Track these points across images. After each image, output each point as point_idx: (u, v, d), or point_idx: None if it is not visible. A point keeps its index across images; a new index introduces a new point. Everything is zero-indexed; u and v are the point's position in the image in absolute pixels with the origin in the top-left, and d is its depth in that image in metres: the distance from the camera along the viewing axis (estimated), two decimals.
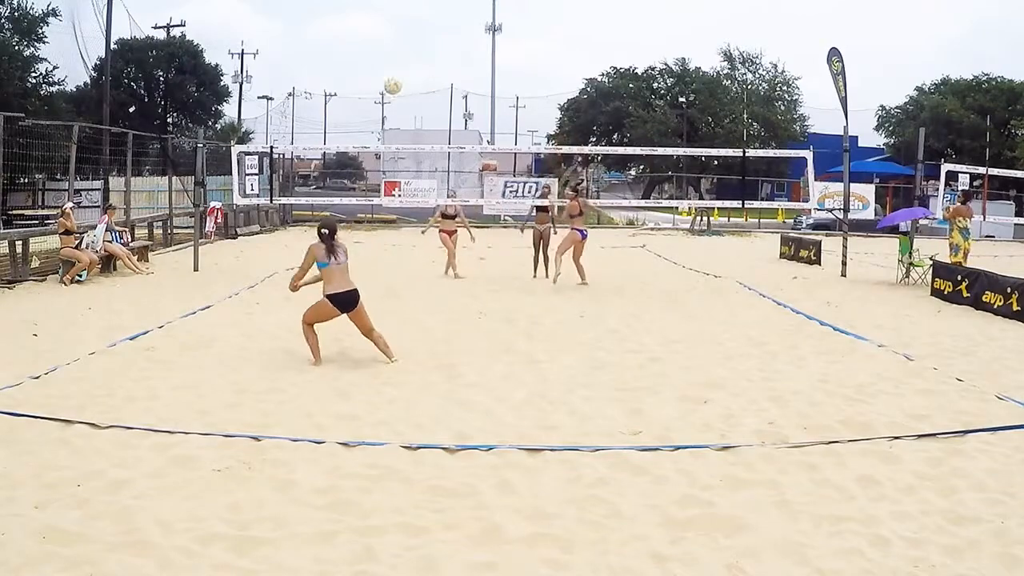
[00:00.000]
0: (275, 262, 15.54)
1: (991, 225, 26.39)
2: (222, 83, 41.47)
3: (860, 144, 42.80)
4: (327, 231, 7.52)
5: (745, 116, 47.10)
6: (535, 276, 14.27)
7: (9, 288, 11.79)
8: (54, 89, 29.39)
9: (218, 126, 40.26)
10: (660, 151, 35.01)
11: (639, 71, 52.02)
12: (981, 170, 25.80)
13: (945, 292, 12.28)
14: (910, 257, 14.50)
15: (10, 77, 25.32)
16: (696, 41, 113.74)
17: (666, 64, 51.68)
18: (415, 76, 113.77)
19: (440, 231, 14.75)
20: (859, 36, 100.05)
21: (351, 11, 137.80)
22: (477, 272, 15.35)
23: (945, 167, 18.83)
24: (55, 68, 28.87)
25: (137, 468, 4.76)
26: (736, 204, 25.23)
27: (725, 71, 51.32)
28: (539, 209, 14.96)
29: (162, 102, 39.68)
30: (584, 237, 13.08)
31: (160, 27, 40.00)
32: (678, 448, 5.28)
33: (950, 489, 4.66)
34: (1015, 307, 10.53)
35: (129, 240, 15.26)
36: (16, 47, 26.68)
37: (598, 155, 41.07)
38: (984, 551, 3.91)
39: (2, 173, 14.40)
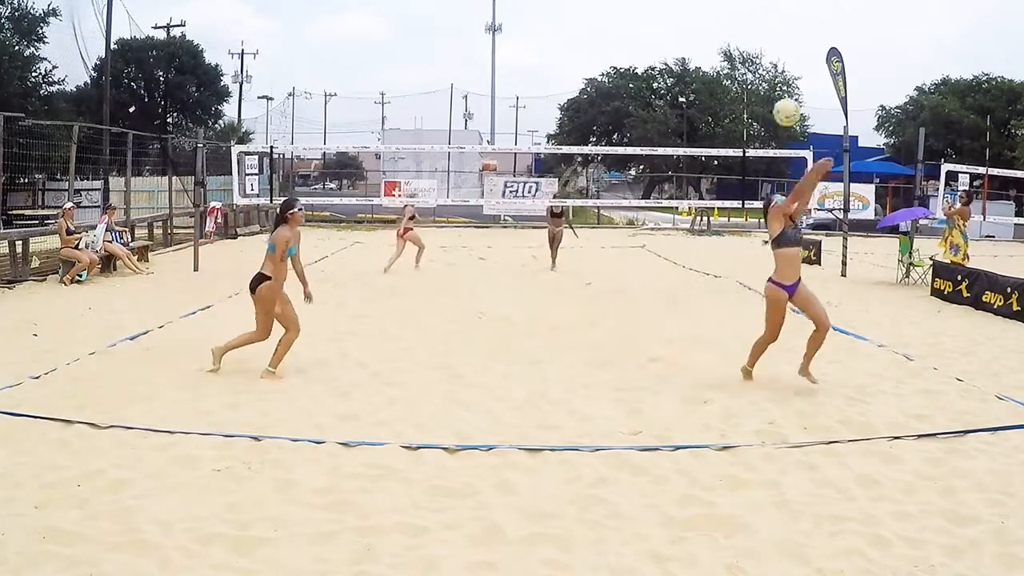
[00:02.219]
0: None
1: (991, 225, 26.36)
2: (222, 83, 41.49)
3: (860, 144, 42.76)
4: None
5: (745, 116, 47.04)
6: (553, 268, 15.77)
7: (9, 288, 11.78)
8: (54, 89, 29.40)
9: (218, 126, 40.22)
10: (660, 151, 34.99)
11: (639, 71, 52.00)
12: (981, 170, 25.80)
13: (945, 292, 12.28)
14: (910, 257, 14.49)
15: (10, 77, 25.30)
16: (696, 41, 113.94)
17: (666, 64, 51.72)
18: (415, 76, 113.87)
19: (407, 231, 15.20)
20: (859, 36, 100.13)
21: (351, 11, 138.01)
22: (477, 272, 15.40)
23: (945, 167, 18.87)
24: (55, 68, 28.92)
25: (137, 468, 4.76)
26: (736, 204, 25.20)
27: (725, 71, 51.28)
28: (553, 214, 16.51)
29: (162, 102, 39.64)
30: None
31: (160, 27, 40.05)
32: (678, 448, 5.28)
33: (950, 489, 4.66)
34: (1015, 307, 10.53)
35: (129, 240, 15.27)
36: (16, 47, 26.66)
37: (598, 155, 40.97)
38: (984, 551, 3.90)
39: (2, 173, 14.40)
